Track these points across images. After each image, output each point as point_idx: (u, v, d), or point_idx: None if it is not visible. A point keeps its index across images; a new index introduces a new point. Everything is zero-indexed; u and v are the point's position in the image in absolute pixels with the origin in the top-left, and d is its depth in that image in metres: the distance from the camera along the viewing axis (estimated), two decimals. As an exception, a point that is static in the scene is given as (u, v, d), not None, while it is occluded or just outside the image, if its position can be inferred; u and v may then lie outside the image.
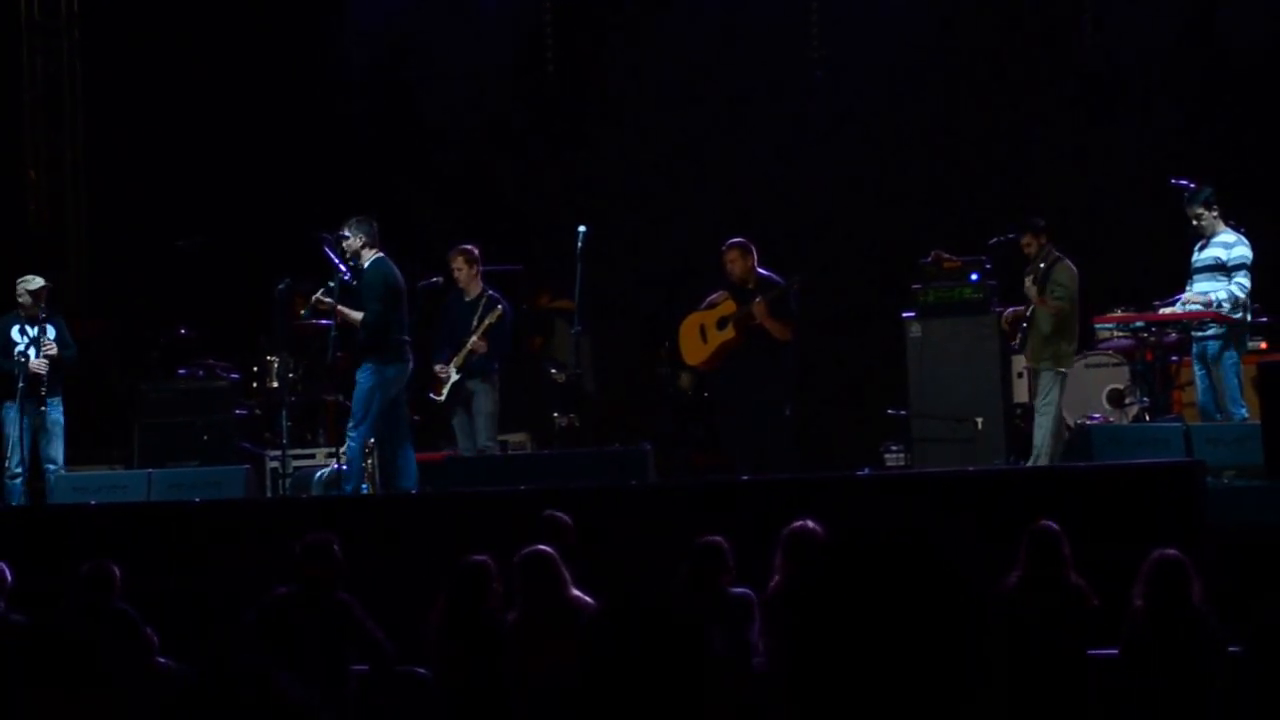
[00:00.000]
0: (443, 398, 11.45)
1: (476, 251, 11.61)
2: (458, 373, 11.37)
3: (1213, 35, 13.89)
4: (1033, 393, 11.21)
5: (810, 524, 7.41)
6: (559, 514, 8.36)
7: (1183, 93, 13.86)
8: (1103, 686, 7.17)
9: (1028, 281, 10.89)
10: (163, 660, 7.51)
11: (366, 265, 10.98)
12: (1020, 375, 12.57)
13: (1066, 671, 7.09)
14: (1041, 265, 10.86)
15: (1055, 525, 7.33)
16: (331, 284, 10.98)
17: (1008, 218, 11.38)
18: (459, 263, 11.50)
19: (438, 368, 11.45)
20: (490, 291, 11.59)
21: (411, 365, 11.10)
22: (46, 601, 7.85)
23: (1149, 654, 6.86)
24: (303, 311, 11.00)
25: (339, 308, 10.93)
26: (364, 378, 10.88)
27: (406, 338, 11.04)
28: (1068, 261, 10.95)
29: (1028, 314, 10.98)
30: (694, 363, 11.50)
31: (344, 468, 10.89)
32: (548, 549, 7.50)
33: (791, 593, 7.10)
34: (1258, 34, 13.63)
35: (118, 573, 7.79)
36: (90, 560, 7.84)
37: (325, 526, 8.19)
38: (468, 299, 11.55)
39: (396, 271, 11.07)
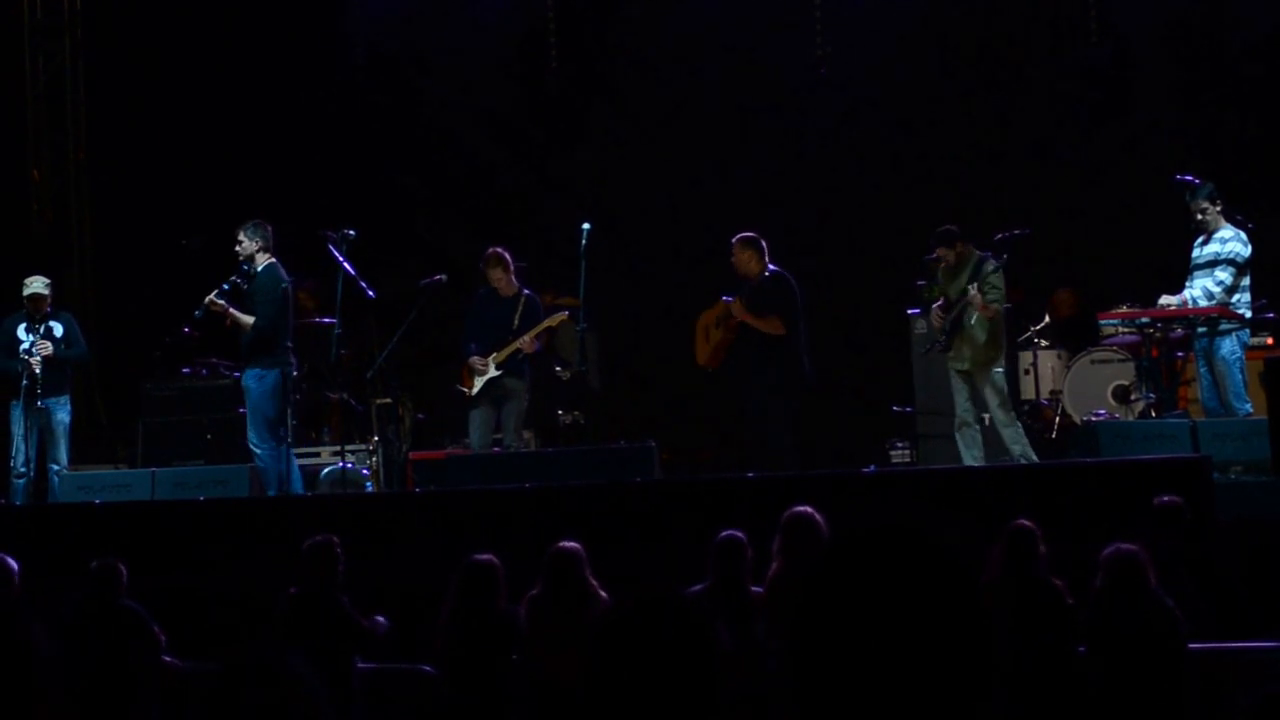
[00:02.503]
0: (475, 390, 11.40)
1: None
2: (498, 369, 11.34)
3: (1216, 35, 13.87)
4: (980, 396, 10.67)
5: (809, 509, 7.37)
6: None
7: (1186, 91, 13.84)
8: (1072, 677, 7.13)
9: (971, 289, 10.56)
10: (169, 659, 7.51)
11: (260, 270, 11.03)
12: (1027, 372, 12.54)
13: (1043, 670, 7.03)
14: (968, 269, 10.61)
15: (1031, 524, 7.27)
16: (226, 285, 11.00)
17: (1012, 214, 11.32)
18: (499, 272, 11.43)
19: (474, 360, 11.37)
20: (526, 290, 11.57)
21: (295, 371, 11.10)
22: (52, 600, 7.83)
23: (1108, 643, 6.83)
24: (196, 311, 10.99)
25: (230, 310, 10.96)
26: (258, 383, 10.93)
27: (290, 343, 11.06)
28: (995, 261, 10.67)
29: (950, 318, 10.66)
30: (702, 362, 11.48)
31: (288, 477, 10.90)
32: (576, 545, 7.49)
33: (792, 587, 7.08)
34: (1260, 33, 13.62)
35: (124, 570, 7.78)
36: (97, 559, 7.82)
37: (327, 525, 8.19)
38: (504, 297, 11.51)
39: (286, 279, 11.11)
